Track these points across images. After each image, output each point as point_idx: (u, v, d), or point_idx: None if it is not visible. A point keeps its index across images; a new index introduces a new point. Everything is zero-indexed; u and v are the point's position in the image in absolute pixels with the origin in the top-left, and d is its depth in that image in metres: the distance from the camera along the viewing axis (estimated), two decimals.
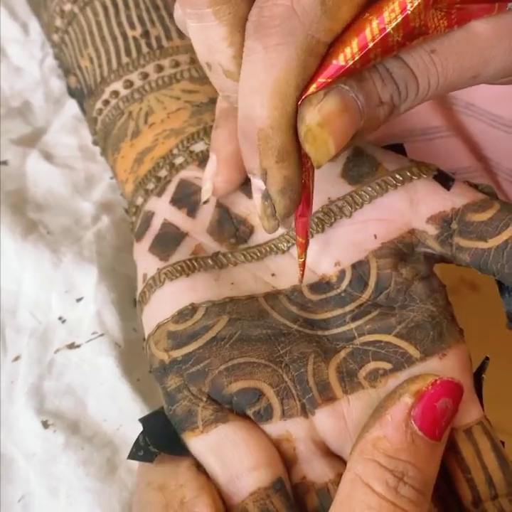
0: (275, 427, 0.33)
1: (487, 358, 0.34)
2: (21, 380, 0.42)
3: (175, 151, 0.41)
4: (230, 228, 0.38)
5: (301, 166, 0.30)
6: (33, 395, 0.41)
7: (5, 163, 0.51)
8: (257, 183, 0.31)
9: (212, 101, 0.43)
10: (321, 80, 0.28)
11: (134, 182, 0.42)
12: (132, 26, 0.45)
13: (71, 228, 0.48)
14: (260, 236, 0.38)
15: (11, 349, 0.44)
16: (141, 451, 0.33)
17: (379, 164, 0.37)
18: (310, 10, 0.27)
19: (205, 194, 0.38)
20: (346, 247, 0.36)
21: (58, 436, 0.40)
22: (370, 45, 0.27)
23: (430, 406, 0.30)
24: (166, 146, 0.42)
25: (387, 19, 0.27)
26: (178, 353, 0.34)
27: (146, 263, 0.38)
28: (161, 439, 0.33)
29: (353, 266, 0.35)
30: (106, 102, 0.45)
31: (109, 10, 0.46)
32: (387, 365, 0.33)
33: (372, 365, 0.33)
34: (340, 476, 0.31)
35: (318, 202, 0.36)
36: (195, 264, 0.37)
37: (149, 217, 0.40)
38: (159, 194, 0.40)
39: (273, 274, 0.37)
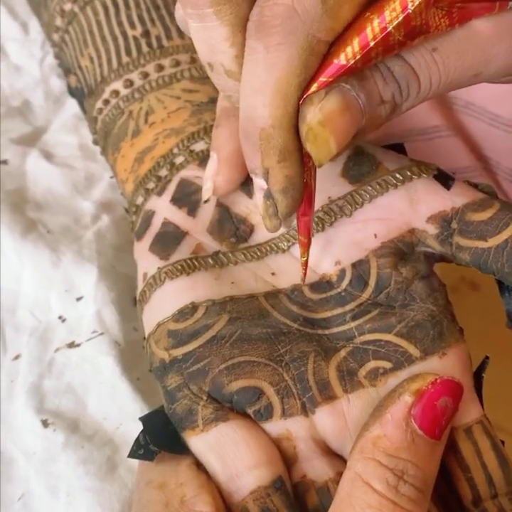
0: (275, 426, 0.33)
1: (487, 358, 0.34)
2: (21, 379, 0.42)
3: (175, 151, 0.41)
4: (230, 227, 0.39)
5: (303, 165, 0.30)
6: (33, 394, 0.41)
7: (5, 162, 0.51)
8: (259, 183, 0.31)
9: (213, 100, 0.43)
10: (322, 79, 0.28)
11: (134, 181, 0.42)
12: (132, 26, 0.46)
13: (71, 227, 0.48)
14: (260, 235, 0.38)
15: (10, 348, 0.44)
16: (142, 449, 0.33)
17: (379, 163, 0.37)
18: (311, 9, 0.27)
19: (206, 193, 0.38)
20: (346, 246, 0.36)
21: (58, 435, 0.40)
22: (371, 44, 0.27)
23: (430, 405, 0.30)
24: (166, 145, 0.42)
25: (388, 18, 0.27)
26: (178, 352, 0.34)
27: (146, 262, 0.38)
28: (162, 437, 0.33)
29: (353, 265, 0.35)
30: (106, 102, 0.45)
31: (109, 9, 0.46)
32: (388, 364, 0.33)
33: (372, 364, 0.33)
34: (340, 474, 0.31)
35: (318, 201, 0.36)
36: (196, 263, 0.37)
37: (150, 216, 0.40)
38: (159, 193, 0.40)
39: (273, 273, 0.37)
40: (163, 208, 0.40)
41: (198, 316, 0.35)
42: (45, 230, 0.48)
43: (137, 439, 0.33)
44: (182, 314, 0.35)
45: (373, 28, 0.27)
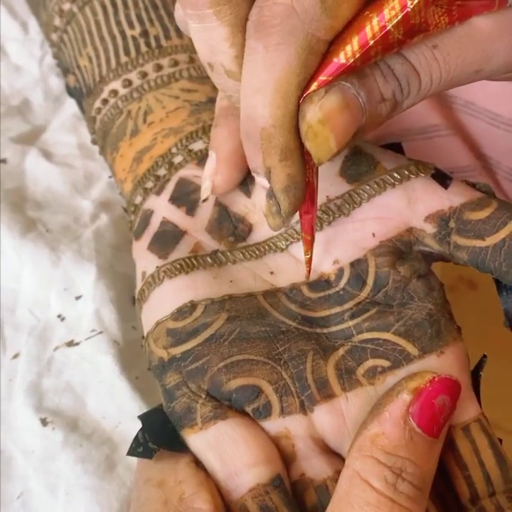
0: (274, 424, 0.33)
1: (485, 356, 0.34)
2: (20, 377, 0.42)
3: (174, 150, 0.41)
4: (229, 226, 0.39)
5: (305, 163, 0.30)
6: (31, 393, 0.41)
7: (4, 161, 0.51)
8: (261, 182, 0.31)
9: (211, 100, 0.43)
10: (322, 78, 0.28)
11: (132, 181, 0.42)
12: (131, 25, 0.46)
13: (70, 226, 0.48)
14: (259, 234, 0.38)
15: (10, 347, 0.44)
16: (141, 447, 0.33)
17: (377, 163, 0.37)
18: (310, 8, 0.27)
19: (205, 192, 0.38)
20: (345, 245, 0.36)
21: (57, 433, 0.40)
22: (371, 42, 0.27)
23: (428, 403, 0.30)
24: (164, 145, 0.42)
25: (387, 17, 0.27)
26: (177, 350, 0.34)
27: (145, 261, 0.39)
28: (161, 435, 0.33)
29: (352, 264, 0.36)
30: (105, 101, 0.45)
31: (107, 9, 0.46)
32: (386, 363, 0.33)
33: (370, 363, 0.33)
34: (338, 472, 0.31)
35: None
36: (194, 262, 0.37)
37: (148, 215, 0.40)
38: (158, 193, 0.40)
39: (272, 272, 0.37)
40: (161, 207, 0.40)
41: (196, 315, 0.35)
42: (45, 229, 0.48)
43: (136, 437, 0.33)
44: (181, 313, 0.35)
45: (373, 27, 0.27)
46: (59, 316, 0.44)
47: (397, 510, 0.29)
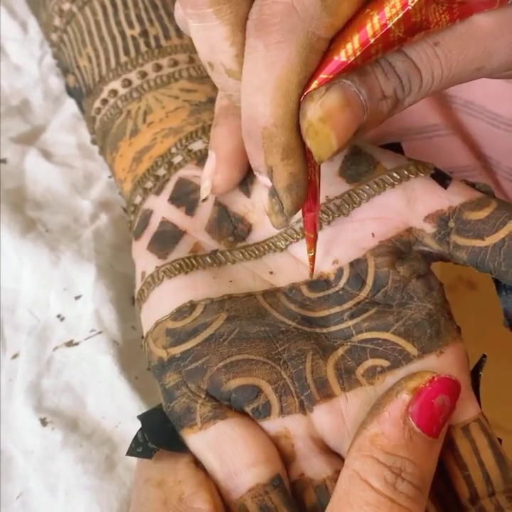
0: (273, 424, 0.33)
1: (484, 356, 0.34)
2: (20, 377, 0.42)
3: (173, 150, 0.41)
4: (228, 226, 0.39)
5: (307, 162, 0.30)
6: (31, 393, 0.41)
7: (4, 161, 0.51)
8: (264, 181, 0.31)
9: (211, 100, 0.43)
10: (322, 76, 0.28)
11: (132, 181, 0.42)
12: (131, 25, 0.46)
13: (70, 226, 0.48)
14: (258, 234, 0.38)
15: (9, 347, 0.44)
16: (140, 447, 0.33)
17: (377, 163, 0.37)
18: (310, 7, 0.27)
19: (204, 192, 0.38)
20: (344, 245, 0.36)
21: (57, 433, 0.40)
22: (372, 40, 0.27)
23: (428, 403, 0.30)
24: (164, 145, 0.42)
25: (388, 14, 0.27)
26: (176, 350, 0.34)
27: (144, 261, 0.39)
28: (160, 435, 0.33)
29: (351, 264, 0.36)
30: (104, 101, 0.45)
31: (107, 9, 0.46)
32: (385, 363, 0.33)
33: (370, 363, 0.33)
34: (338, 472, 0.31)
35: None
36: (194, 262, 0.37)
37: (148, 215, 0.40)
38: (158, 193, 0.40)
39: (271, 272, 0.37)
40: (161, 207, 0.40)
41: (196, 315, 0.35)
42: (44, 229, 0.48)
43: (136, 437, 0.33)
44: (180, 313, 0.35)
45: (373, 25, 0.27)
46: (58, 316, 0.44)
47: (397, 510, 0.29)
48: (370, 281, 0.35)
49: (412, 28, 0.28)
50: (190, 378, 0.34)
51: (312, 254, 0.35)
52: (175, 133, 0.42)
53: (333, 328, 0.35)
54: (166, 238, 0.39)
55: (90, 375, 0.42)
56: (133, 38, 0.45)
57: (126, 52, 0.45)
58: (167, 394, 0.34)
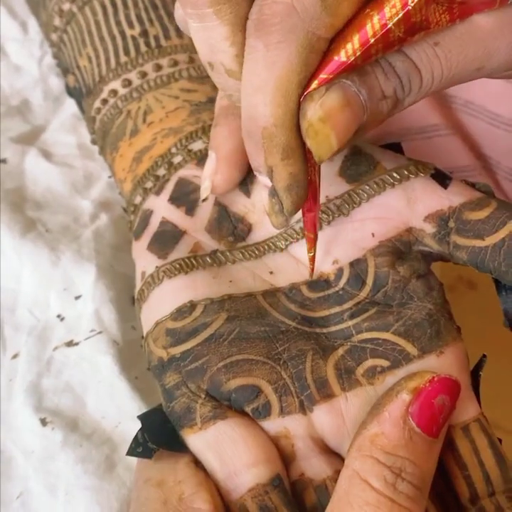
0: (273, 424, 0.33)
1: (484, 356, 0.34)
2: (20, 377, 0.42)
3: (173, 150, 0.41)
4: (228, 226, 0.39)
5: (307, 162, 0.30)
6: (31, 393, 0.41)
7: (4, 161, 0.51)
8: (264, 180, 0.31)
9: (211, 100, 0.43)
10: (322, 76, 0.28)
11: (132, 181, 0.42)
12: (131, 25, 0.46)
13: (70, 226, 0.48)
14: (258, 234, 0.38)
15: (9, 347, 0.44)
16: (140, 447, 0.33)
17: (377, 163, 0.37)
18: (310, 7, 0.27)
19: (204, 192, 0.38)
20: (344, 245, 0.36)
21: (57, 433, 0.40)
22: (372, 40, 0.27)
23: (428, 403, 0.30)
24: (164, 145, 0.42)
25: (388, 15, 0.27)
26: (176, 350, 0.34)
27: (144, 261, 0.39)
28: (160, 435, 0.33)
29: (351, 264, 0.36)
30: (104, 101, 0.45)
31: (107, 9, 0.46)
32: (385, 363, 0.33)
33: (370, 363, 0.33)
34: (338, 472, 0.31)
35: None
36: (194, 262, 0.37)
37: (148, 215, 0.40)
38: (158, 193, 0.40)
39: (271, 272, 0.37)
40: (161, 207, 0.40)
41: (196, 315, 0.35)
42: (44, 229, 0.48)
43: (136, 437, 0.33)
44: (180, 313, 0.35)
45: (373, 25, 0.27)
46: (58, 316, 0.44)
47: (397, 510, 0.29)
48: (370, 281, 0.35)
49: (412, 28, 0.28)
50: (190, 378, 0.34)
51: (312, 254, 0.35)
52: (175, 133, 0.42)
53: (333, 328, 0.35)
54: (166, 238, 0.39)
55: (90, 375, 0.42)
56: (133, 38, 0.45)
57: (126, 52, 0.45)
58: (167, 394, 0.34)
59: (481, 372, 0.34)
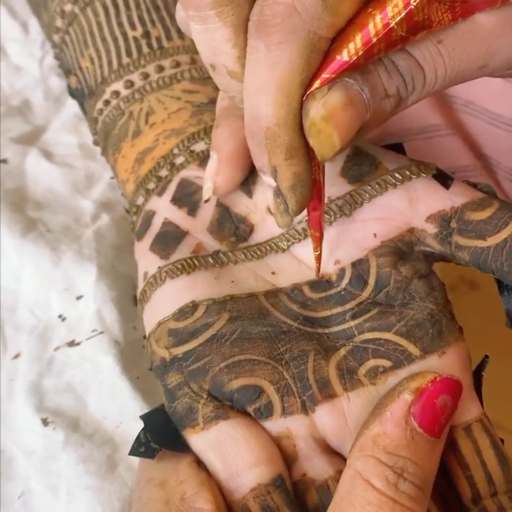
0: (275, 424, 0.33)
1: (486, 356, 0.34)
2: (21, 377, 0.42)
3: (175, 151, 0.41)
4: (230, 227, 0.39)
5: (310, 161, 0.30)
6: (32, 393, 0.41)
7: (5, 161, 0.52)
8: (268, 181, 0.31)
9: (213, 101, 0.43)
10: (324, 75, 0.28)
11: (134, 182, 0.42)
12: (133, 27, 0.46)
13: (71, 226, 0.48)
14: (260, 235, 0.38)
15: (10, 347, 0.44)
16: (142, 447, 0.33)
17: (379, 163, 0.37)
18: (311, 7, 0.27)
19: (206, 193, 0.38)
20: (346, 245, 0.36)
21: (58, 433, 0.40)
22: (374, 40, 0.27)
23: (430, 403, 0.30)
24: (166, 146, 0.42)
25: (390, 14, 0.27)
26: (178, 351, 0.34)
27: (147, 261, 0.39)
28: (162, 435, 0.33)
29: (353, 264, 0.36)
30: (107, 102, 0.45)
31: (109, 10, 0.46)
32: (387, 363, 0.33)
33: (372, 363, 0.33)
34: (340, 472, 0.31)
35: None
36: (196, 262, 0.37)
37: (150, 216, 0.40)
38: (160, 193, 0.41)
39: (273, 273, 0.37)
40: (163, 208, 0.40)
41: (198, 315, 0.35)
42: (45, 229, 0.48)
43: (138, 437, 0.33)
44: (182, 313, 0.35)
45: (376, 24, 0.27)
46: (60, 316, 0.44)
47: (399, 510, 0.29)
48: (372, 281, 0.35)
49: (415, 27, 0.28)
50: (193, 378, 0.34)
51: (318, 252, 0.35)
52: (177, 134, 0.42)
53: (335, 329, 0.35)
54: (169, 239, 0.39)
55: (92, 375, 0.42)
56: (135, 39, 0.45)
57: (129, 54, 0.45)
58: (169, 394, 0.34)
59: (483, 373, 0.34)
